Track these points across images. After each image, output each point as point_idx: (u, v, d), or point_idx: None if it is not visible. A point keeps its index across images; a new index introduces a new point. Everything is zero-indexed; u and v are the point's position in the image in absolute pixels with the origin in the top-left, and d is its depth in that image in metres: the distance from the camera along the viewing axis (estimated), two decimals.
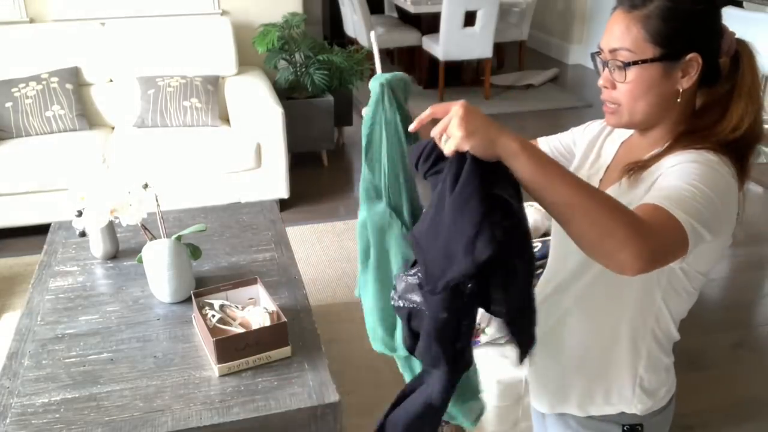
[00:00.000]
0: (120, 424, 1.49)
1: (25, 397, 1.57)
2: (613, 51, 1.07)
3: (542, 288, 1.32)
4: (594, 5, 6.63)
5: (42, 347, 1.74)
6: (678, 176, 0.99)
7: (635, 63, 1.05)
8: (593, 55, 1.12)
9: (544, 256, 2.21)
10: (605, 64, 1.09)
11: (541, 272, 2.22)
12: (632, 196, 1.07)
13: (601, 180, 1.20)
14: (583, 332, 1.21)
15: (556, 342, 1.25)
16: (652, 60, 1.04)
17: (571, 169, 1.28)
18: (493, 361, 2.06)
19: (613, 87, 1.10)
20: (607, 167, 1.21)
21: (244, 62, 4.22)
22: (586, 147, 1.28)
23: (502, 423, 2.06)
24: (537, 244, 2.24)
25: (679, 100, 1.08)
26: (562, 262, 1.25)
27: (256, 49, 4.11)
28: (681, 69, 1.05)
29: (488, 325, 2.07)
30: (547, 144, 1.34)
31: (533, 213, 2.39)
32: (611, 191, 1.13)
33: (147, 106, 3.71)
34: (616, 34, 1.06)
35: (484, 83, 5.82)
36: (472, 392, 1.28)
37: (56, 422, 1.50)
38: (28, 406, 1.55)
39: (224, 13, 4.22)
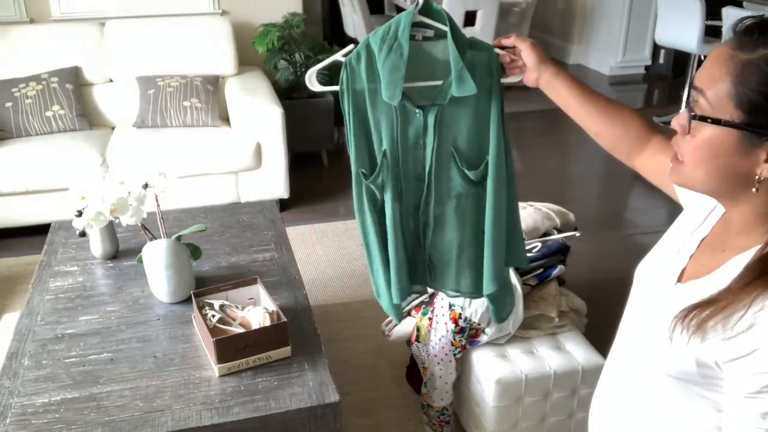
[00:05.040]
0: (120, 424, 1.49)
1: (25, 397, 1.57)
2: (697, 90, 0.86)
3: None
4: (594, 5, 6.63)
5: (42, 347, 1.74)
6: None
7: (704, 119, 0.84)
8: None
9: (545, 255, 2.22)
10: (687, 104, 0.89)
11: (541, 272, 2.23)
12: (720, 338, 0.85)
13: (692, 256, 0.99)
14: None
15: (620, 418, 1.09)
16: (727, 124, 0.82)
17: (676, 223, 1.08)
18: (493, 361, 2.06)
19: (684, 134, 0.89)
20: (702, 240, 1.00)
21: (244, 62, 4.21)
22: (699, 206, 1.04)
23: (502, 423, 2.06)
24: (537, 244, 2.24)
25: (755, 189, 0.84)
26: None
27: (256, 49, 4.11)
28: (767, 150, 0.81)
29: (488, 325, 2.07)
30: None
31: (533, 213, 2.39)
32: (694, 285, 0.93)
33: (147, 106, 3.71)
34: (708, 72, 0.84)
35: None
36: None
37: (56, 422, 1.50)
38: (28, 406, 1.55)
39: (224, 13, 4.22)
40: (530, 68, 1.31)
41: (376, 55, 1.31)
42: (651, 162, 1.18)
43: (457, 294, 1.59)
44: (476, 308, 2.04)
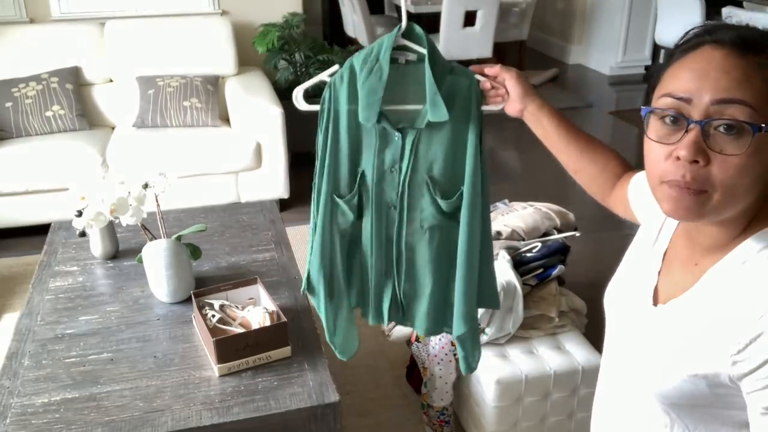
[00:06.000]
0: (120, 424, 1.49)
1: (25, 397, 1.57)
2: (720, 102, 0.76)
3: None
4: (594, 5, 6.63)
5: (42, 347, 1.74)
6: None
7: (760, 129, 0.75)
8: (647, 111, 0.84)
9: (545, 255, 2.22)
10: (700, 124, 0.77)
11: (541, 272, 2.23)
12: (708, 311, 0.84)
13: (659, 272, 0.96)
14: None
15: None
16: None
17: (634, 242, 1.06)
18: (493, 361, 2.06)
19: (707, 161, 0.78)
20: (664, 254, 0.97)
21: (244, 62, 4.21)
22: (652, 220, 1.02)
23: (502, 423, 2.06)
24: (537, 244, 2.24)
25: None
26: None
27: (256, 49, 4.11)
28: None
29: (488, 325, 2.07)
30: (636, 181, 1.12)
31: (533, 213, 2.40)
32: (676, 304, 0.89)
33: (147, 106, 3.71)
34: (727, 81, 0.76)
35: None
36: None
37: (56, 422, 1.50)
38: (28, 406, 1.55)
39: (224, 13, 4.22)
40: (515, 99, 1.29)
41: (357, 76, 1.30)
42: (620, 196, 1.17)
43: (426, 333, 1.54)
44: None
